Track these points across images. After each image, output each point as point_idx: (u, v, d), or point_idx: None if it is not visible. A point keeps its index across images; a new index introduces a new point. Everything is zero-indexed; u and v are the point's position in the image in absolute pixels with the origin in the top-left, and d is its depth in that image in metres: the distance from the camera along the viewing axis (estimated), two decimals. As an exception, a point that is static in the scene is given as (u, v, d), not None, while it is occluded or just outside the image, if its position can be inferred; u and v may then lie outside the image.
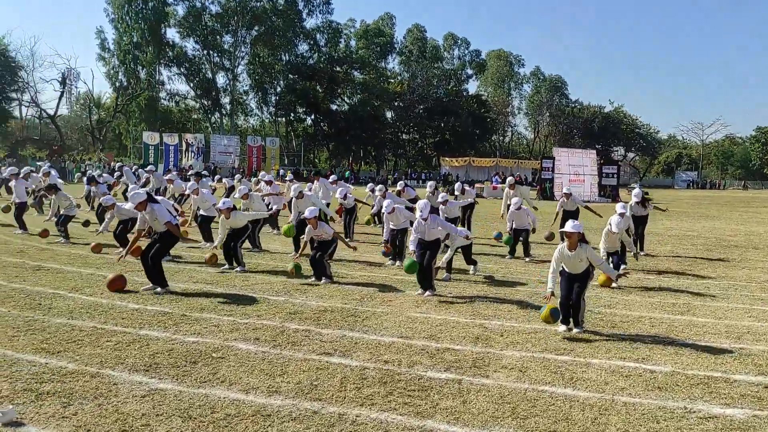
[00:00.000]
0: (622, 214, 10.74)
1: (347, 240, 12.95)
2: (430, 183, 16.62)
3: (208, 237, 13.06)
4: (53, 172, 17.56)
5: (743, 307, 8.80)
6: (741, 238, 18.08)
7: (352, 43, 77.67)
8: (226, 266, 10.68)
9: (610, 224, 10.44)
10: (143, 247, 8.85)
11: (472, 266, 11.02)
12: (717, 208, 34.40)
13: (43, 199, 14.65)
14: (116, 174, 23.41)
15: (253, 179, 21.95)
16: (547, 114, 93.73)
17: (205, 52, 66.99)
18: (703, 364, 6.11)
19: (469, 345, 6.58)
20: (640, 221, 13.95)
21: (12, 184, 14.85)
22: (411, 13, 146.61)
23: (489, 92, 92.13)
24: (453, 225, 10.53)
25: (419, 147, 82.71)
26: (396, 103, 76.80)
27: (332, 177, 19.10)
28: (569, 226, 7.27)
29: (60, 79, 58.96)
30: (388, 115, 78.45)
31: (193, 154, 58.16)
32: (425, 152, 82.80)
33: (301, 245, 10.27)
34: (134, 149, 63.47)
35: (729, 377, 5.76)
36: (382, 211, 11.81)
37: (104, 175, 24.58)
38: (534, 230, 13.12)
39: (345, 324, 7.25)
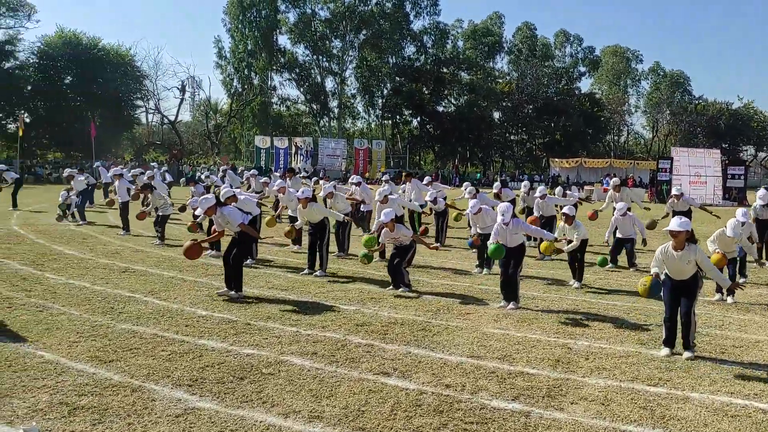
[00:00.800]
0: (743, 223, 9.46)
1: (433, 243, 12.35)
2: (524, 182, 15.76)
3: (296, 239, 12.94)
4: (155, 173, 18.31)
5: None
6: None
7: (459, 43, 76.65)
8: (306, 270, 10.45)
9: (727, 226, 9.22)
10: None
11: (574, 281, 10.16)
12: None
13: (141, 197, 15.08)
14: (219, 176, 24.12)
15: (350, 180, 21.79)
16: (668, 112, 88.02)
17: (314, 57, 68.45)
18: (834, 407, 5.05)
19: (546, 369, 5.86)
20: (766, 226, 12.39)
21: (116, 184, 15.48)
22: (521, 11, 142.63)
23: (603, 90, 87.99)
24: (542, 229, 9.63)
25: (528, 148, 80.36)
26: (504, 104, 75.01)
27: (427, 178, 18.58)
28: (675, 223, 6.35)
29: (180, 87, 62.30)
30: (496, 115, 76.77)
31: (302, 156, 59.69)
32: (534, 153, 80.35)
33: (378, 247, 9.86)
34: (247, 152, 65.98)
35: None
36: (467, 212, 11.19)
37: (211, 176, 25.35)
38: (644, 242, 11.87)
39: (412, 339, 6.72)
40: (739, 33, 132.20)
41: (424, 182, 17.28)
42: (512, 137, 79.66)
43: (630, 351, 6.48)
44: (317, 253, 10.45)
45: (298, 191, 11.17)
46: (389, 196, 12.29)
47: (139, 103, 62.19)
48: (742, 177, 38.27)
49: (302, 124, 73.88)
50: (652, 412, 4.89)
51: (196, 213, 9.04)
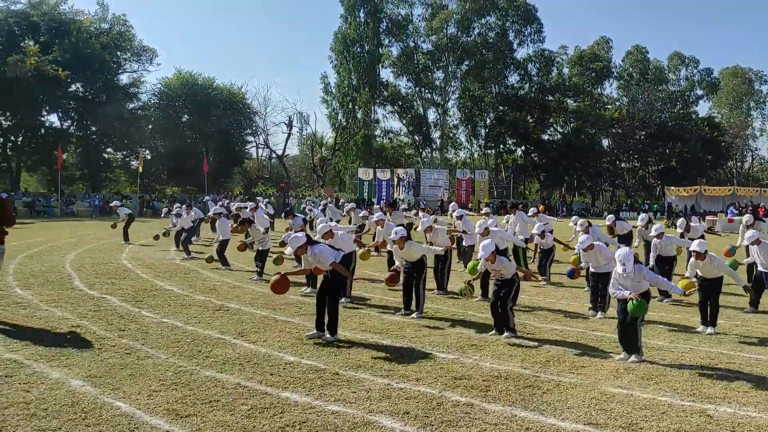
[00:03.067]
0: None
1: (535, 276, 11.34)
2: (642, 216, 14.44)
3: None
4: (259, 206, 18.56)
5: None
6: None
7: (565, 70, 74.54)
8: (402, 311, 9.84)
9: None
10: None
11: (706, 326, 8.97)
12: None
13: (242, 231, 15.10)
14: (320, 209, 24.13)
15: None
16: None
17: (417, 89, 68.82)
18: None
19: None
20: None
21: (217, 222, 15.65)
22: (631, 34, 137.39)
23: (723, 114, 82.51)
24: (664, 279, 8.42)
25: (640, 175, 76.37)
26: (613, 130, 71.88)
27: (533, 209, 17.58)
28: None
29: (287, 123, 64.33)
30: (605, 142, 73.72)
31: (404, 188, 59.76)
32: (647, 181, 76.22)
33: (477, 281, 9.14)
34: (351, 185, 66.90)
35: None
36: (577, 248, 10.23)
37: (313, 210, 25.42)
38: None
39: (518, 398, 5.90)
40: None
41: (530, 214, 16.35)
42: (623, 165, 76.08)
43: (787, 423, 5.34)
44: (413, 293, 9.82)
45: (396, 226, 10.62)
46: (491, 228, 11.54)
47: (249, 138, 64.93)
48: None
49: (405, 156, 74.18)
50: None
51: (286, 252, 8.67)
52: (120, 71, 54.70)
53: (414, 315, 9.65)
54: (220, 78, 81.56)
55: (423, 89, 68.71)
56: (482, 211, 17.48)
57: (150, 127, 56.78)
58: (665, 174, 71.03)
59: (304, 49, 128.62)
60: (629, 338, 7.31)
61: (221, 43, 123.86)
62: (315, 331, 8.13)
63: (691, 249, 9.03)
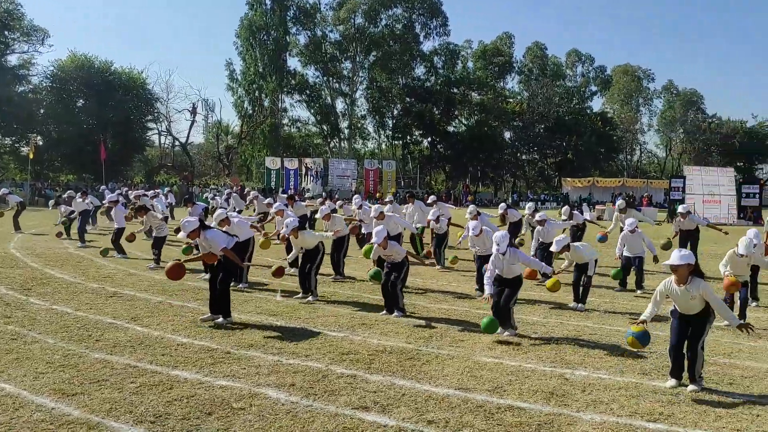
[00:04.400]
0: (755, 244, 9.06)
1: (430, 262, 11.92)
2: (528, 204, 15.45)
3: (294, 262, 12.61)
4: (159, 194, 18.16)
5: None
6: None
7: (470, 64, 76.69)
8: (300, 294, 10.13)
9: (738, 245, 8.79)
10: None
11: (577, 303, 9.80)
12: None
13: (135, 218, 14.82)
14: (224, 198, 23.83)
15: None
16: (681, 130, 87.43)
17: (324, 78, 68.74)
18: None
19: (539, 403, 5.46)
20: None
21: (113, 211, 15.31)
22: (531, 31, 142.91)
23: (615, 109, 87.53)
24: (537, 260, 9.18)
25: (539, 167, 79.94)
26: (515, 123, 74.81)
27: (432, 198, 18.23)
28: (675, 256, 5.95)
29: (190, 110, 62.66)
30: (507, 135, 76.54)
31: (311, 177, 59.65)
32: (546, 173, 79.88)
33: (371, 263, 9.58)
34: (258, 174, 66.09)
35: None
36: (465, 234, 10.91)
37: (216, 198, 25.13)
38: (655, 258, 11.42)
39: (399, 369, 6.35)
40: (752, 51, 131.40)
41: (428, 202, 16.97)
42: (524, 157, 79.30)
43: (630, 382, 6.07)
44: (306, 278, 10.12)
45: (293, 218, 10.83)
46: (386, 213, 12.02)
47: (151, 125, 62.70)
48: (758, 196, 37.54)
49: (313, 145, 73.99)
50: (650, 453, 4.49)
51: (179, 236, 8.74)
52: (8, 52, 51.46)
53: (310, 298, 9.94)
54: (119, 62, 77.74)
55: (331, 79, 68.69)
56: (386, 200, 17.97)
57: (42, 111, 53.77)
58: (562, 166, 74.69)
59: (208, 35, 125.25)
60: (503, 317, 7.92)
61: (120, 26, 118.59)
62: (209, 314, 8.28)
63: (551, 249, 9.97)
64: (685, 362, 5.94)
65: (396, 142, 74.06)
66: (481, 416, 5.12)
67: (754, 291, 10.05)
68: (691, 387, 5.84)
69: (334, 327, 8.13)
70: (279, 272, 9.94)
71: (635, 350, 6.51)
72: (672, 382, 5.97)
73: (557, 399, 5.58)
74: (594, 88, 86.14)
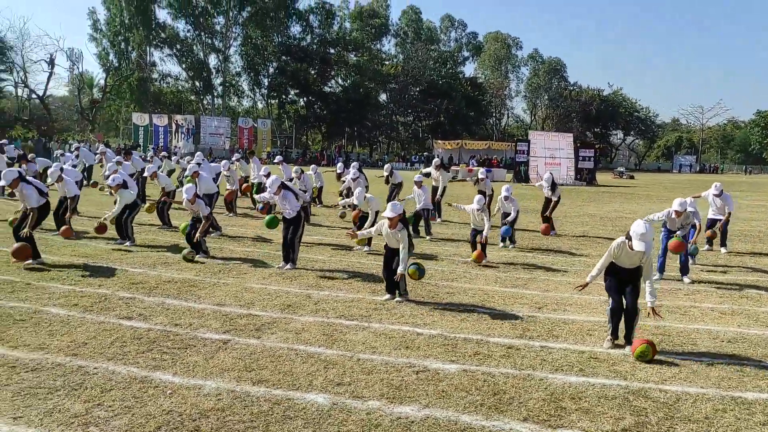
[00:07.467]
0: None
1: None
2: (386, 166, 16.88)
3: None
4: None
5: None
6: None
7: (347, 24, 77.55)
8: (119, 240, 11.17)
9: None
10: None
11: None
12: (685, 191, 34.53)
13: None
14: (97, 155, 23.57)
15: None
16: (546, 97, 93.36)
17: (196, 33, 67.23)
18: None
19: (272, 311, 7.01)
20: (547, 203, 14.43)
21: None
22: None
23: (486, 75, 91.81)
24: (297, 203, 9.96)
25: (413, 129, 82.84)
26: (390, 86, 76.85)
27: (278, 158, 19.43)
28: (388, 210, 7.59)
29: (48, 60, 59.44)
30: (383, 97, 78.54)
31: (182, 135, 58.75)
32: (419, 135, 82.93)
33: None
34: (126, 130, 64.11)
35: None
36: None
37: (66, 154, 24.91)
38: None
39: (174, 293, 7.72)
40: (612, 24, 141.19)
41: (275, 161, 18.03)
42: (399, 118, 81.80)
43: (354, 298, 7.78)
44: (123, 226, 11.17)
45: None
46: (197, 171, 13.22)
47: (5, 76, 58.94)
48: (592, 159, 41.74)
49: (185, 102, 72.46)
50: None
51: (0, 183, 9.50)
52: None
53: (128, 243, 11.03)
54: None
55: (203, 33, 67.30)
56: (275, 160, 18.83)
57: None
58: (435, 128, 77.97)
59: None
60: (288, 252, 9.46)
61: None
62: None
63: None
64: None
65: (272, 101, 74.09)
66: (218, 320, 6.60)
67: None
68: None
69: (142, 266, 9.34)
70: (101, 229, 11.04)
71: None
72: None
73: (289, 310, 7.17)
74: (467, 54, 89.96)
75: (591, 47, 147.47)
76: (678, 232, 9.25)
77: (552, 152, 40.85)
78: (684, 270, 9.57)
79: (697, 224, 10.14)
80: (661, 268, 9.61)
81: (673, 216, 9.08)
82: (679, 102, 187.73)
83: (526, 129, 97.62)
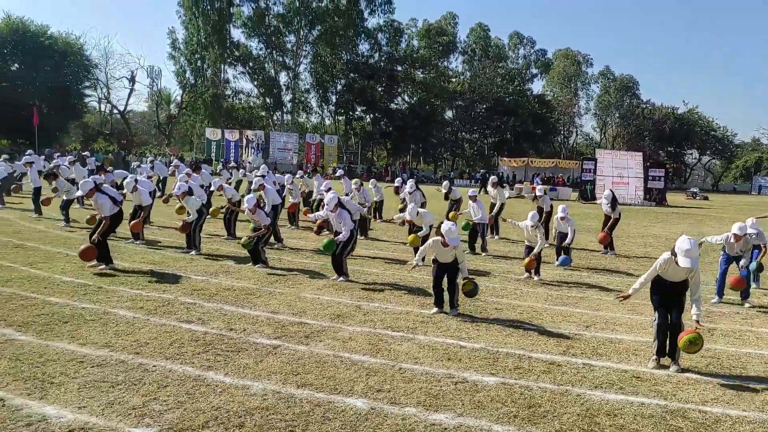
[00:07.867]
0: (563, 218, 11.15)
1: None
2: (445, 183, 17.05)
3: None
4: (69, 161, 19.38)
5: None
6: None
7: (414, 42, 78.29)
8: (185, 249, 11.75)
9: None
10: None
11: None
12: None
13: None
14: (170, 168, 24.81)
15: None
16: (616, 115, 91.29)
17: (268, 51, 69.40)
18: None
19: (323, 320, 7.29)
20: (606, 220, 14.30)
21: (28, 171, 16.58)
22: (475, 12, 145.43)
23: (554, 92, 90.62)
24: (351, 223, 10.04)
25: (478, 146, 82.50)
26: (456, 103, 76.91)
27: (340, 172, 19.99)
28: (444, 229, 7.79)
29: (129, 77, 62.65)
30: (448, 114, 78.68)
31: (252, 149, 60.57)
32: (485, 152, 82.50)
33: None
34: (200, 144, 66.64)
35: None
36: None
37: (142, 166, 26.23)
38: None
39: (232, 299, 8.12)
40: (686, 41, 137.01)
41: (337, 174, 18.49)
42: (465, 135, 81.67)
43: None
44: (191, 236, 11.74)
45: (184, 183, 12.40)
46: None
47: (89, 92, 62.46)
48: (662, 179, 40.53)
49: (256, 118, 74.69)
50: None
51: (77, 194, 10.22)
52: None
53: (193, 253, 11.60)
54: (55, 27, 76.57)
55: (274, 52, 69.39)
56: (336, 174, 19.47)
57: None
58: (500, 145, 77.43)
59: (149, 2, 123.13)
60: (336, 266, 9.76)
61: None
62: (96, 262, 9.82)
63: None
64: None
65: (339, 118, 75.37)
66: (271, 326, 6.92)
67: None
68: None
69: (204, 273, 9.84)
70: (185, 228, 11.60)
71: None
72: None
73: (338, 319, 7.43)
74: (535, 71, 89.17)
75: (666, 66, 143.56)
76: (741, 262, 8.99)
77: (620, 171, 39.93)
78: (745, 294, 9.31)
79: (762, 246, 9.78)
80: (719, 292, 9.38)
81: (732, 240, 8.87)
82: (759, 121, 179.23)
83: (595, 147, 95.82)
